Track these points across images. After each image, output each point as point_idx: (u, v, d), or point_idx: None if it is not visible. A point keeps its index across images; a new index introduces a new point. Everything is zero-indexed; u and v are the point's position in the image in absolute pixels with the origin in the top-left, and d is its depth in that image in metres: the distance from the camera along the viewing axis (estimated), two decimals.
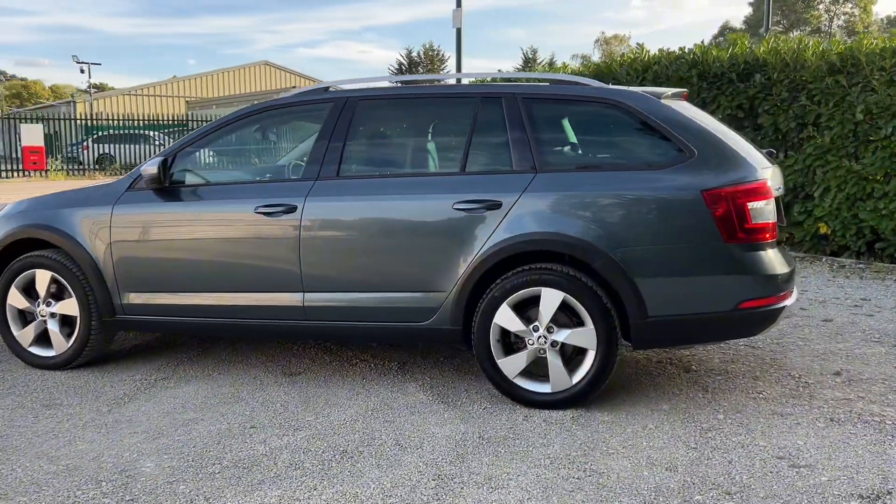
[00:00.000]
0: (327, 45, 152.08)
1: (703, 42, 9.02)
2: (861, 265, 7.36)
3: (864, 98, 7.22)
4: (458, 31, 16.20)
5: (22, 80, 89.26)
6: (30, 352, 4.43)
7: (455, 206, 3.75)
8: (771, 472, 3.02)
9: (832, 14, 56.01)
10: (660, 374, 4.24)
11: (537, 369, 3.71)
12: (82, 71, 38.45)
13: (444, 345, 4.65)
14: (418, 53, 52.10)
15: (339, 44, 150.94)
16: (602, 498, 2.84)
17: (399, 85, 4.60)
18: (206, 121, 25.54)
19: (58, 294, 4.39)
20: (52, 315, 4.38)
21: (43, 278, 4.36)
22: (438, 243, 3.80)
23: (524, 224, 3.67)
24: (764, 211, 3.56)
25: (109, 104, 40.42)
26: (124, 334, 5.12)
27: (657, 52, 9.23)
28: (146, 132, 27.62)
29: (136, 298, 4.26)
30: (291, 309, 4.02)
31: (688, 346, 4.56)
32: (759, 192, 3.54)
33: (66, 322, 4.39)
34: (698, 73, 8.51)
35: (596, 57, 42.56)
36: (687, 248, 3.57)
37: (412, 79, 5.09)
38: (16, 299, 4.43)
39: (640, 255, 3.57)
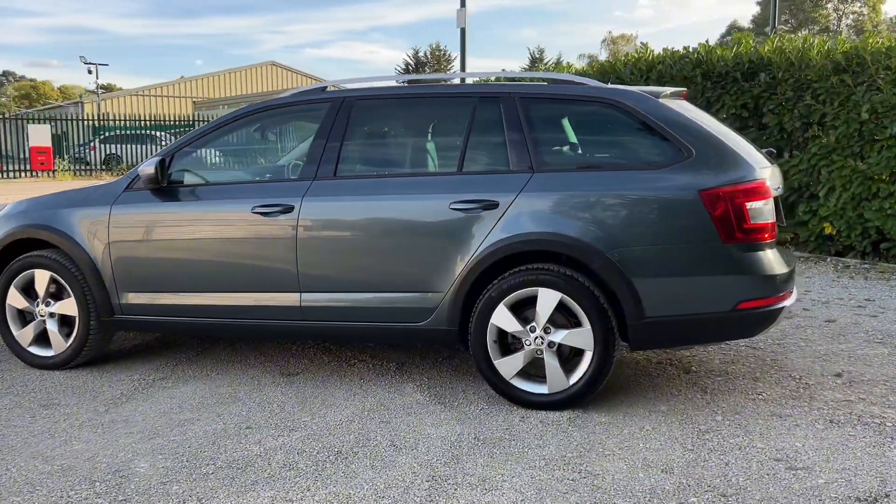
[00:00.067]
0: (334, 45, 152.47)
1: (707, 41, 8.97)
2: (866, 265, 7.31)
3: (869, 97, 7.16)
4: (463, 31, 16.19)
5: (31, 80, 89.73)
6: (29, 351, 4.44)
7: (452, 206, 3.73)
8: (768, 475, 3.00)
9: (840, 13, 55.72)
10: (659, 374, 4.22)
11: (534, 370, 3.69)
12: (90, 72, 38.70)
13: (441, 345, 4.64)
14: (425, 53, 52.11)
15: (346, 44, 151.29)
16: (596, 500, 2.82)
17: (405, 84, 4.58)
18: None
19: (57, 294, 4.39)
20: (51, 315, 4.39)
21: (42, 278, 4.37)
22: (435, 243, 3.79)
23: (521, 224, 3.65)
24: (763, 211, 3.53)
25: (117, 105, 40.60)
26: (124, 334, 5.13)
27: (661, 52, 9.19)
28: (153, 132, 27.71)
29: (134, 298, 4.26)
30: (289, 309, 4.01)
31: (686, 347, 4.53)
32: (757, 192, 3.51)
33: (65, 322, 4.40)
34: (702, 73, 8.47)
35: (603, 57, 42.43)
36: (685, 248, 3.54)
37: (417, 78, 5.08)
38: (15, 299, 4.44)
39: (638, 256, 3.55)
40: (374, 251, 3.91)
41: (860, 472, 3.02)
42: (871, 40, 7.44)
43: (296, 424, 3.58)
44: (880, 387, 4.00)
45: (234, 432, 3.49)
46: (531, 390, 3.68)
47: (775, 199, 3.73)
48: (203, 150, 4.71)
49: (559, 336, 3.61)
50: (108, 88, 59.07)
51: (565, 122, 4.13)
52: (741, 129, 8.16)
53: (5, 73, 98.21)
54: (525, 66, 43.46)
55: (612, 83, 7.73)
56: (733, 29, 50.56)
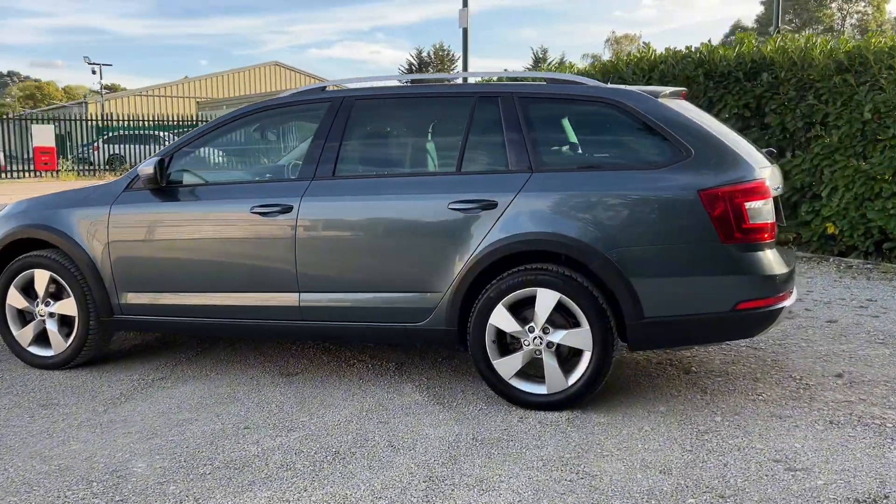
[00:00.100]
0: (338, 45, 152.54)
1: (709, 41, 8.94)
2: (869, 265, 7.28)
3: (872, 97, 7.14)
4: (465, 31, 16.18)
5: (36, 81, 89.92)
6: (29, 351, 4.45)
7: (451, 206, 3.73)
8: (766, 476, 2.98)
9: (845, 13, 55.57)
10: (659, 375, 4.20)
11: (533, 370, 3.68)
12: (94, 72, 38.73)
13: (440, 346, 4.63)
14: (428, 54, 52.08)
15: (349, 44, 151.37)
16: (593, 501, 2.81)
17: (405, 84, 4.57)
18: None
19: (56, 294, 4.40)
20: (51, 315, 4.39)
21: (42, 278, 4.37)
22: (434, 243, 3.78)
23: (520, 224, 3.64)
24: (762, 211, 3.52)
25: (121, 105, 40.64)
26: (124, 334, 5.13)
27: (664, 51, 9.16)
28: (156, 133, 27.75)
29: (133, 298, 4.26)
30: (288, 309, 4.01)
31: (686, 348, 4.52)
32: (756, 192, 3.49)
33: (64, 322, 4.40)
34: (705, 73, 8.44)
35: (606, 56, 42.35)
36: (684, 248, 3.53)
37: (421, 77, 5.07)
38: (15, 299, 4.44)
39: (637, 256, 3.53)
40: (372, 251, 3.90)
41: (859, 473, 3.00)
42: (873, 40, 7.41)
43: (294, 425, 3.58)
44: (881, 388, 3.98)
45: (232, 432, 3.49)
46: (530, 391, 3.67)
47: (775, 198, 3.71)
48: (202, 150, 4.71)
49: (558, 336, 3.60)
50: (112, 89, 59.17)
51: (564, 122, 4.12)
52: (744, 129, 8.14)
53: (10, 74, 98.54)
54: (529, 66, 43.36)
55: (614, 83, 7.74)
56: (737, 29, 50.46)
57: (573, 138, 4.12)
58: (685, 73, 8.59)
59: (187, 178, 4.30)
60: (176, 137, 26.91)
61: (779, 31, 11.78)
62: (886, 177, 7.15)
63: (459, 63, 50.48)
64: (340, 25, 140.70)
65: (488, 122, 3.89)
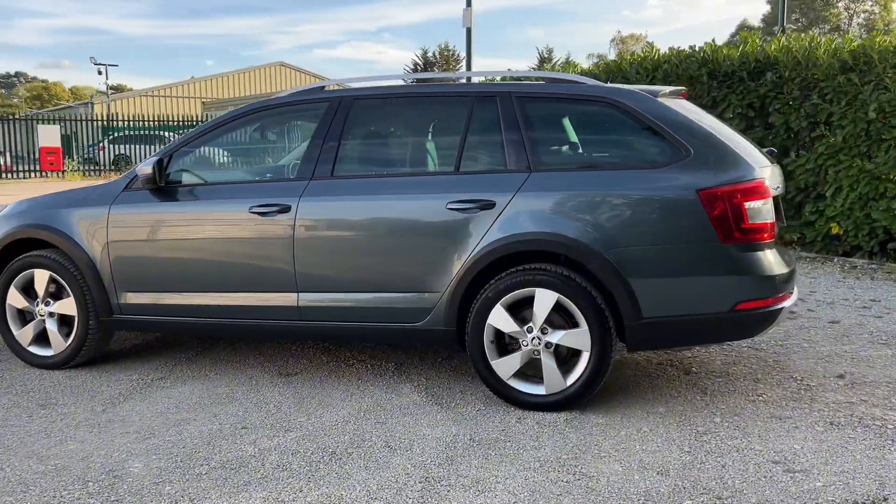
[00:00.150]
0: (343, 45, 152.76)
1: (713, 41, 8.91)
2: (873, 265, 7.24)
3: (876, 96, 7.10)
4: (469, 31, 16.17)
5: (43, 81, 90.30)
6: (28, 351, 4.45)
7: (449, 206, 3.71)
8: (765, 477, 2.96)
9: (852, 12, 55.32)
10: (659, 376, 4.18)
11: (532, 371, 3.67)
12: (100, 72, 38.89)
13: (439, 346, 4.62)
14: (433, 53, 52.06)
15: (355, 44, 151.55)
16: (590, 502, 2.79)
17: (405, 84, 4.56)
18: None
19: (56, 294, 4.40)
20: (51, 314, 4.40)
21: (41, 278, 4.38)
22: (432, 243, 3.77)
23: (518, 224, 3.63)
24: (762, 211, 3.49)
25: (127, 105, 40.78)
26: (125, 334, 5.13)
27: (667, 51, 9.14)
28: (162, 133, 27.82)
29: (132, 298, 4.26)
30: (286, 309, 4.00)
31: (685, 348, 4.50)
32: (756, 192, 3.47)
33: (64, 321, 4.41)
34: (708, 72, 8.41)
35: (612, 56, 42.27)
36: (683, 248, 3.51)
37: (426, 77, 5.07)
38: (15, 299, 4.45)
39: (636, 256, 3.51)
40: (370, 251, 3.89)
41: (859, 474, 2.98)
42: (878, 39, 7.37)
43: (291, 425, 3.57)
44: (882, 389, 3.95)
45: (229, 432, 3.49)
46: (528, 391, 3.66)
47: (775, 198, 3.69)
48: (201, 150, 4.71)
49: (556, 337, 3.58)
50: (118, 89, 59.37)
51: (563, 122, 4.10)
52: (747, 129, 8.11)
53: (17, 74, 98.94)
54: (534, 66, 43.30)
55: (617, 82, 7.70)
56: (743, 28, 50.29)
57: (572, 138, 4.10)
58: (689, 72, 8.56)
59: (186, 178, 4.29)
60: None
61: (784, 31, 11.73)
62: (891, 176, 7.10)
63: (464, 63, 50.57)
64: (345, 26, 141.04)
65: (487, 121, 3.88)
